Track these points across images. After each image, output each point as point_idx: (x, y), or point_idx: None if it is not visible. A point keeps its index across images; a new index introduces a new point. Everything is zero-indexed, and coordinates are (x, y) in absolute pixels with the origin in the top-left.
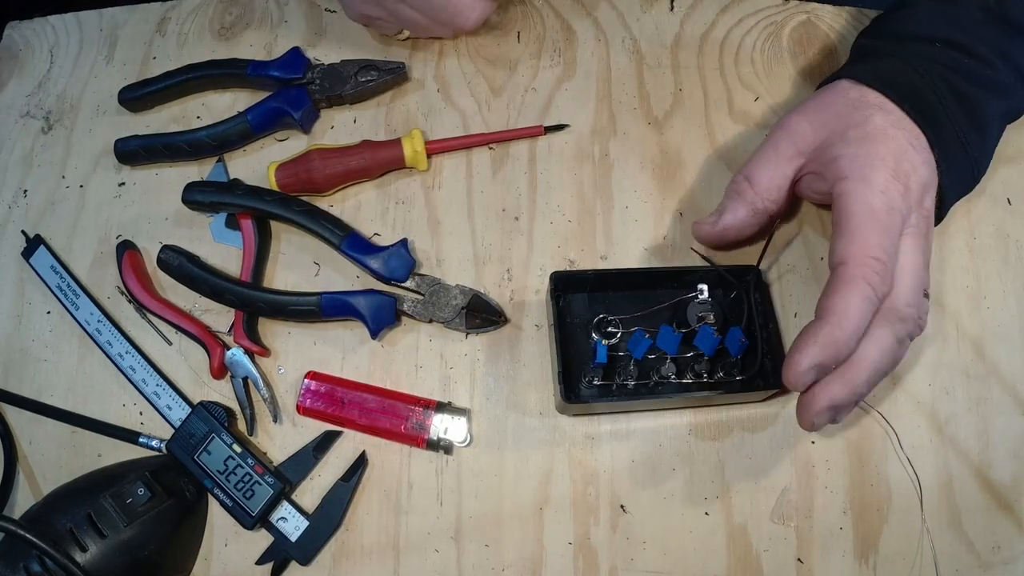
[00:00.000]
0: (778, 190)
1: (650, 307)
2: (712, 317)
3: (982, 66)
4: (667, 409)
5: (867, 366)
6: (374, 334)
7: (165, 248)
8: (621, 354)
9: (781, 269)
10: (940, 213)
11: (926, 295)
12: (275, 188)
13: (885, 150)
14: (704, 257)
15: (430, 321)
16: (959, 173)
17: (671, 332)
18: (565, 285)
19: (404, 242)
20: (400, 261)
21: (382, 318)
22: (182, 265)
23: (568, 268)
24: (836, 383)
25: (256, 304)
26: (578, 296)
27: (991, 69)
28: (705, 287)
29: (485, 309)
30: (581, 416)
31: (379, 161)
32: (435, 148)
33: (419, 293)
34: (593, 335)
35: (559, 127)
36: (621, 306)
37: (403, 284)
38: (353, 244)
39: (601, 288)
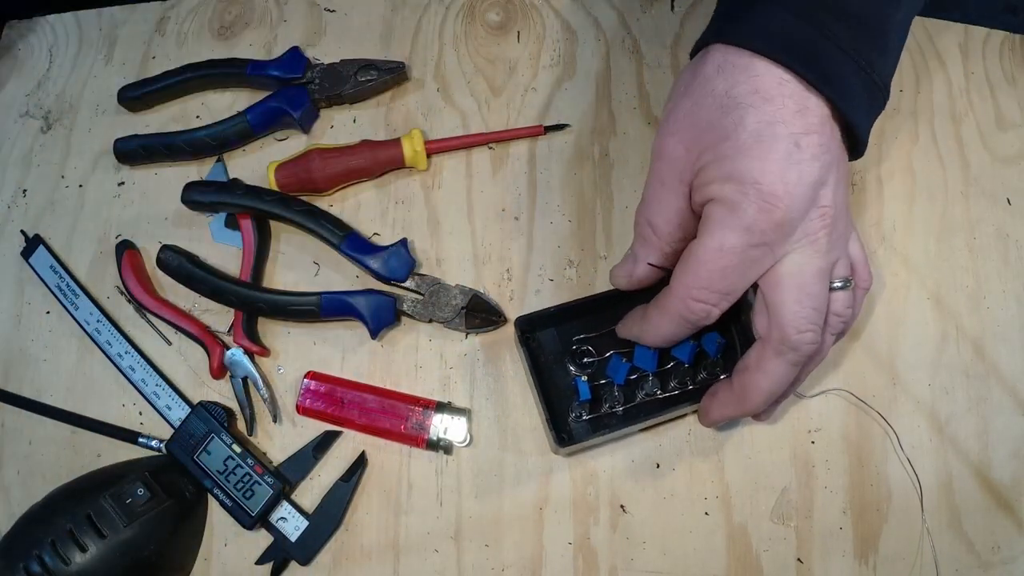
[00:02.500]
0: (682, 228)
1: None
2: None
3: None
4: (660, 425)
5: (760, 395)
6: (374, 334)
7: (164, 248)
8: (603, 382)
9: None
10: (858, 147)
11: (841, 286)
12: (275, 188)
13: (762, 167)
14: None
15: (430, 321)
16: (868, 101)
17: (646, 350)
18: (532, 325)
19: (404, 242)
20: (400, 261)
21: (382, 318)
22: (181, 265)
23: (534, 310)
24: (730, 407)
25: (256, 304)
26: (547, 332)
27: None
28: None
29: (485, 309)
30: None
31: (379, 161)
32: (435, 148)
33: (419, 293)
34: (571, 367)
35: (559, 127)
36: (592, 327)
37: (403, 284)
38: (353, 244)
39: (568, 319)
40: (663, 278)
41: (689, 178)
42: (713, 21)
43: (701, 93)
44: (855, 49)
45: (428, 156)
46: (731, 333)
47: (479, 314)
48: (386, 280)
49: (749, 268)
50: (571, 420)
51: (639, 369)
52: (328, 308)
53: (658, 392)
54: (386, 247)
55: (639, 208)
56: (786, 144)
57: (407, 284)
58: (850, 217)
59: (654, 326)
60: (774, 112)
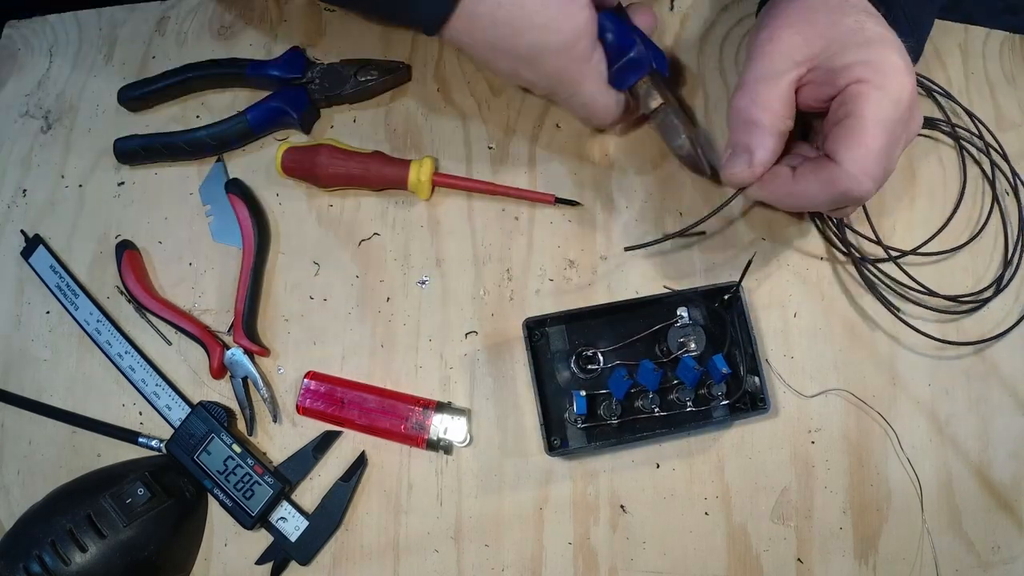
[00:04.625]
0: (789, 106)
1: (630, 333)
2: (693, 344)
3: None
4: (656, 442)
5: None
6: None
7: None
8: (603, 391)
9: (760, 275)
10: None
11: None
12: (279, 169)
13: (893, 57)
14: (676, 292)
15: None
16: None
17: (651, 368)
18: (539, 326)
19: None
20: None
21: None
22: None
23: (545, 313)
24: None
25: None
26: (555, 329)
27: None
28: (685, 311)
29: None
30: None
31: (384, 177)
32: (441, 182)
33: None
34: (575, 371)
35: (571, 202)
36: (601, 332)
37: (302, 80)
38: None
39: (578, 324)
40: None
41: (804, 61)
42: None
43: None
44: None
45: (432, 188)
46: (735, 362)
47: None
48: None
49: (901, 140)
50: (566, 423)
51: (640, 385)
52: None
53: (656, 410)
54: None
55: (739, 98)
56: (898, 45)
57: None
58: None
59: (807, 195)
60: (881, 23)
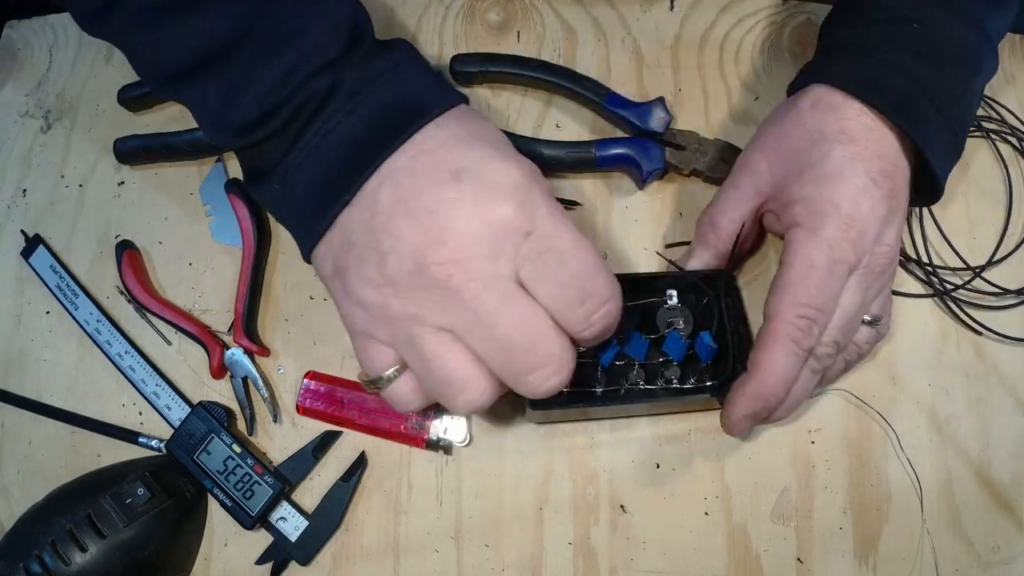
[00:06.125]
0: (739, 234)
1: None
2: (682, 323)
3: (960, 41)
4: (636, 416)
5: (788, 402)
6: (644, 181)
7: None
8: (589, 360)
9: (757, 271)
10: (936, 193)
11: (870, 322)
12: None
13: (842, 193)
14: (672, 263)
15: (689, 174)
16: (949, 150)
17: (640, 338)
18: None
19: (661, 100)
20: (658, 115)
21: (653, 162)
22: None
23: None
24: (749, 402)
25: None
26: None
27: (970, 42)
28: (675, 292)
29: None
30: (555, 424)
31: None
32: None
33: (678, 146)
34: None
35: (571, 203)
36: None
37: (660, 136)
38: (613, 100)
39: None
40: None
41: (766, 192)
42: (815, 63)
43: (793, 123)
44: (943, 104)
45: None
46: (725, 341)
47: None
48: (646, 134)
49: (836, 283)
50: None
51: (627, 356)
52: (602, 158)
53: (641, 383)
54: (645, 103)
55: (707, 207)
56: (864, 179)
57: (665, 137)
58: (897, 262)
59: (768, 366)
60: (857, 151)
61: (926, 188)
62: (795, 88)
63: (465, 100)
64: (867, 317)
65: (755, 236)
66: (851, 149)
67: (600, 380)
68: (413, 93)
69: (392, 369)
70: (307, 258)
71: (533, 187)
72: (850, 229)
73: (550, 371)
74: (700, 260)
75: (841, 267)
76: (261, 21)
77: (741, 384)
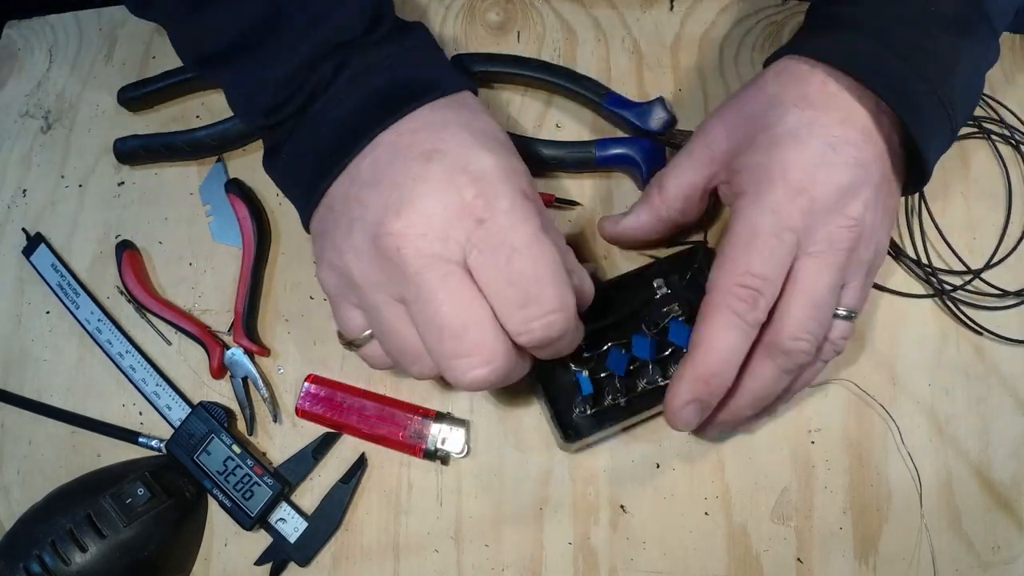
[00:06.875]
0: (686, 199)
1: (615, 317)
2: (678, 306)
3: (951, 11)
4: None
5: (747, 397)
6: (645, 180)
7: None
8: (604, 375)
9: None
10: (923, 176)
11: (845, 316)
12: None
13: (792, 158)
14: (645, 266)
15: None
16: (936, 121)
17: (644, 339)
18: None
19: (661, 99)
20: (659, 115)
21: (655, 163)
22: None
23: None
24: (717, 409)
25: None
26: None
27: (962, 13)
28: (662, 280)
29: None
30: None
31: None
32: None
33: (678, 146)
34: (570, 363)
35: (571, 203)
36: (587, 322)
37: (662, 137)
38: (613, 100)
39: None
40: (645, 243)
41: (721, 159)
42: (790, 41)
43: (754, 91)
44: (928, 73)
45: None
46: None
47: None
48: (646, 134)
49: (781, 252)
50: (575, 416)
51: (638, 359)
52: (602, 158)
53: (659, 379)
54: (645, 103)
55: (659, 173)
56: (821, 145)
57: (665, 137)
58: (882, 249)
59: (708, 341)
60: (816, 116)
61: (915, 171)
62: (768, 63)
63: (472, 88)
64: (841, 310)
65: (704, 205)
66: (809, 114)
67: (621, 390)
68: (416, 76)
69: (366, 332)
70: (306, 228)
71: (503, 180)
72: (799, 195)
73: (476, 362)
74: (638, 220)
75: (789, 235)
76: (291, 5)
77: (681, 365)
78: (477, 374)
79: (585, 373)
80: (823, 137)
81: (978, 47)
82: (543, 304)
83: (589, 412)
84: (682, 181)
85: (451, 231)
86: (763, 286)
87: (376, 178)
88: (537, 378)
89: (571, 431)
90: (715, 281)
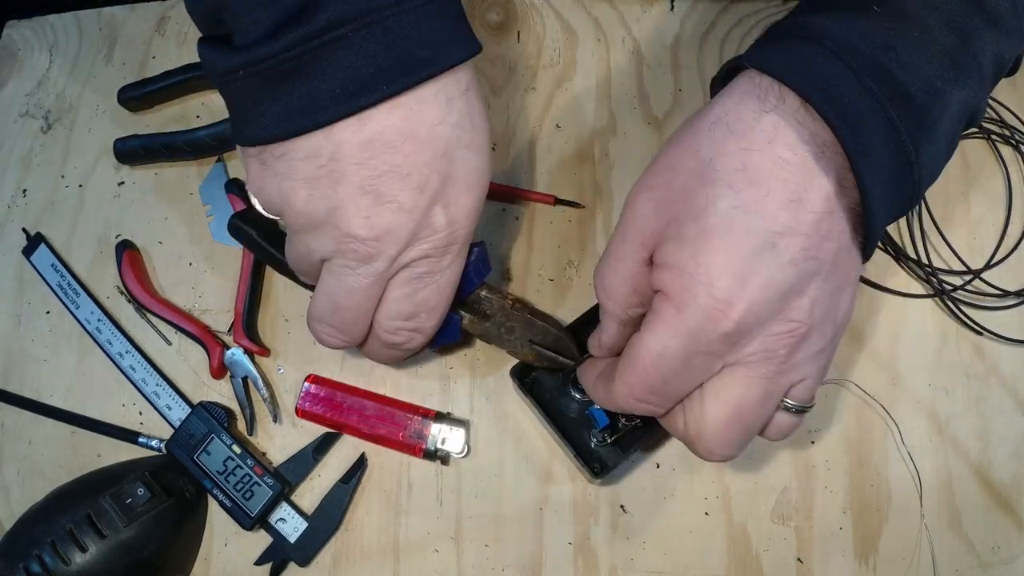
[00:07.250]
0: (637, 294)
1: None
2: None
3: (933, 45)
4: None
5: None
6: (433, 347)
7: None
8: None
9: None
10: (869, 246)
11: (796, 410)
12: None
13: (720, 263)
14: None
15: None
16: (895, 184)
17: None
18: (525, 370)
19: (481, 246)
20: (471, 269)
21: (444, 334)
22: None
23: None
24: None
25: None
26: (542, 370)
27: (952, 54)
28: None
29: (559, 350)
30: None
31: None
32: None
33: (484, 316)
34: (576, 394)
35: (573, 204)
36: (583, 351)
37: (467, 299)
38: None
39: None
40: None
41: (651, 243)
42: (747, 51)
43: (686, 150)
44: (898, 121)
45: None
46: None
47: (548, 355)
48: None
49: (693, 374)
50: (595, 447)
51: None
52: None
53: None
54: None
55: (597, 264)
56: (759, 241)
57: (473, 298)
58: (836, 333)
59: (611, 401)
60: (755, 200)
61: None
62: (713, 83)
63: (468, 54)
64: (789, 403)
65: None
66: (746, 197)
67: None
68: (419, 42)
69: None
70: (261, 134)
71: (469, 222)
72: (726, 312)
73: (331, 332)
74: (610, 334)
75: (704, 359)
76: None
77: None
78: (327, 340)
79: (596, 405)
80: (761, 231)
81: (962, 77)
82: (424, 330)
83: (608, 441)
84: (624, 275)
85: (402, 256)
86: (665, 403)
87: (366, 163)
88: (548, 419)
89: (596, 465)
90: (616, 391)
